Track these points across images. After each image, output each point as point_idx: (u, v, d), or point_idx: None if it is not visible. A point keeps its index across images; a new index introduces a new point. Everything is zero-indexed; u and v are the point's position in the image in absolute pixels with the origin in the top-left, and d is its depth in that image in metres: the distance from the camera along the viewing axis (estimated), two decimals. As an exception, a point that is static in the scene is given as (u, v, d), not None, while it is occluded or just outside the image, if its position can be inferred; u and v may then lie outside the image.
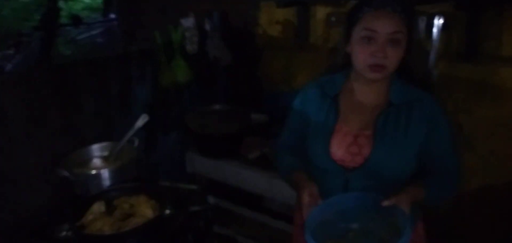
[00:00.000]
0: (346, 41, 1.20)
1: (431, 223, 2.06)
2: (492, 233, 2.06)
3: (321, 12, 2.30)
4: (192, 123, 2.18)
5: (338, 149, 1.19)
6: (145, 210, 1.53)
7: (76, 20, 3.38)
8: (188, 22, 2.21)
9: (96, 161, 1.79)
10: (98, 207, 1.51)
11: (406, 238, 0.99)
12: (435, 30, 1.88)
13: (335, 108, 1.23)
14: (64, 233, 1.42)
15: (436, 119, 1.18)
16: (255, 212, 2.20)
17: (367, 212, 1.11)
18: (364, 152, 1.17)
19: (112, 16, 3.35)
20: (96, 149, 1.85)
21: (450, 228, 2.08)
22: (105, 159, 1.83)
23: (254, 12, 2.49)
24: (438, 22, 1.87)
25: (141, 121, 1.83)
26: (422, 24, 1.92)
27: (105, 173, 1.68)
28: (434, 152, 1.18)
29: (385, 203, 1.06)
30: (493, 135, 1.96)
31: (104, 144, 1.86)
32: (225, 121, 2.26)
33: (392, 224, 1.07)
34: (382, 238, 1.07)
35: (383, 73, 1.13)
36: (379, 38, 1.09)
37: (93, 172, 1.69)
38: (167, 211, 1.51)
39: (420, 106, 1.17)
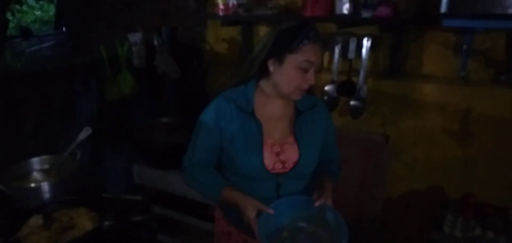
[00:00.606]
0: (275, 60, 1.24)
1: (361, 228, 2.22)
2: (417, 234, 2.26)
3: (263, 31, 2.43)
4: (139, 135, 2.23)
5: (270, 160, 1.30)
6: (85, 222, 1.55)
7: (25, 32, 3.31)
8: (135, 37, 2.27)
9: (36, 175, 1.79)
10: (35, 220, 1.51)
11: (344, 226, 1.18)
12: (364, 50, 2.06)
13: (256, 122, 1.31)
14: (-1, 247, 1.41)
15: (328, 118, 1.43)
16: (200, 220, 2.26)
17: (300, 212, 1.28)
18: (292, 158, 1.31)
19: (64, 29, 3.32)
20: (37, 162, 1.84)
21: (379, 231, 2.25)
22: (46, 172, 1.82)
23: (201, 30, 2.58)
24: (367, 43, 2.06)
25: (83, 134, 1.85)
26: (352, 44, 2.10)
27: (45, 187, 1.67)
28: (327, 145, 1.42)
29: (317, 203, 1.23)
30: (416, 144, 2.17)
31: (45, 157, 1.85)
32: (172, 132, 2.32)
33: (320, 218, 1.25)
34: (312, 231, 1.26)
35: (304, 94, 1.29)
36: (313, 68, 1.24)
37: (32, 185, 1.69)
38: (106, 223, 1.54)
39: (317, 110, 1.38)
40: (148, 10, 2.49)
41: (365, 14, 1.90)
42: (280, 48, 1.23)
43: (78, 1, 2.56)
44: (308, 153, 1.32)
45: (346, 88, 2.18)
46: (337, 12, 1.98)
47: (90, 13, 2.43)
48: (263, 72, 1.29)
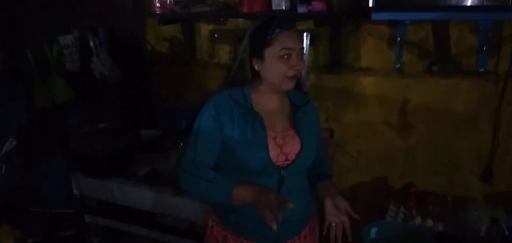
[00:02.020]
0: (257, 59, 1.28)
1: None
2: (363, 226, 2.29)
3: (204, 29, 2.38)
4: (75, 143, 2.10)
5: (274, 152, 1.29)
6: (6, 241, 1.45)
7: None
8: (66, 39, 2.14)
9: (-48, 193, 1.65)
10: None
11: None
12: (304, 46, 2.06)
13: (257, 116, 1.30)
14: None
15: (317, 115, 1.46)
16: (146, 229, 2.18)
17: None
18: (294, 150, 1.32)
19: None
20: (-47, 179, 1.70)
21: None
22: (-35, 189, 1.69)
23: (141, 29, 2.49)
24: (306, 38, 2.05)
25: (8, 146, 1.73)
26: (293, 40, 2.08)
27: (-39, 205, 1.56)
28: (319, 146, 1.42)
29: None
30: (359, 137, 2.19)
31: (-37, 173, 1.72)
32: (112, 139, 2.20)
33: None
34: None
35: (295, 82, 1.29)
36: (294, 54, 1.26)
37: None
38: (30, 240, 1.45)
39: (310, 107, 1.40)
40: (83, 10, 2.36)
41: (301, 9, 1.89)
42: (257, 45, 1.27)
43: (7, 2, 2.39)
44: (309, 145, 1.34)
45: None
46: (274, 8, 1.96)
47: (19, 14, 2.26)
48: (253, 72, 1.31)
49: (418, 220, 1.94)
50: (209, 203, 1.43)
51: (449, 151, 2.07)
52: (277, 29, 1.24)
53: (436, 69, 1.93)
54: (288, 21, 1.27)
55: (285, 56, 1.24)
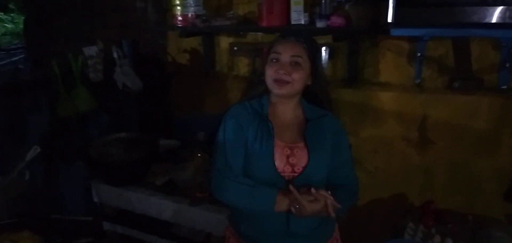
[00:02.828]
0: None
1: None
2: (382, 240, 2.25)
3: (224, 42, 2.42)
4: (95, 152, 2.16)
5: (280, 162, 1.33)
6: (28, 246, 1.49)
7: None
8: (91, 50, 2.21)
9: (-21, 197, 1.71)
10: (-30, 246, 1.44)
11: None
12: (323, 60, 2.06)
13: (269, 124, 1.35)
14: None
15: (338, 132, 1.43)
16: (163, 238, 2.20)
17: None
18: (301, 162, 1.34)
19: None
20: (-20, 184, 1.77)
21: (348, 239, 2.23)
22: (-9, 194, 1.75)
23: (162, 41, 2.55)
24: (325, 52, 2.06)
25: (32, 153, 1.79)
26: (311, 54, 2.10)
27: (-13, 210, 1.61)
28: (341, 168, 1.40)
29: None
30: (377, 153, 2.16)
31: (-11, 178, 1.78)
32: (131, 148, 2.25)
33: None
34: None
35: (287, 89, 1.33)
36: (282, 59, 1.33)
37: (-28, 209, 1.62)
38: (51, 246, 1.49)
39: (326, 120, 1.40)
40: (107, 23, 2.43)
41: (320, 24, 1.90)
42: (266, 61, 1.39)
43: (36, 14, 2.49)
44: (317, 158, 1.35)
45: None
46: (293, 22, 1.98)
47: (47, 26, 2.36)
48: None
49: (437, 239, 1.89)
50: (245, 208, 1.37)
51: (470, 169, 2.01)
52: (277, 40, 1.38)
53: (457, 85, 1.90)
54: (289, 34, 1.37)
55: (273, 60, 1.33)
